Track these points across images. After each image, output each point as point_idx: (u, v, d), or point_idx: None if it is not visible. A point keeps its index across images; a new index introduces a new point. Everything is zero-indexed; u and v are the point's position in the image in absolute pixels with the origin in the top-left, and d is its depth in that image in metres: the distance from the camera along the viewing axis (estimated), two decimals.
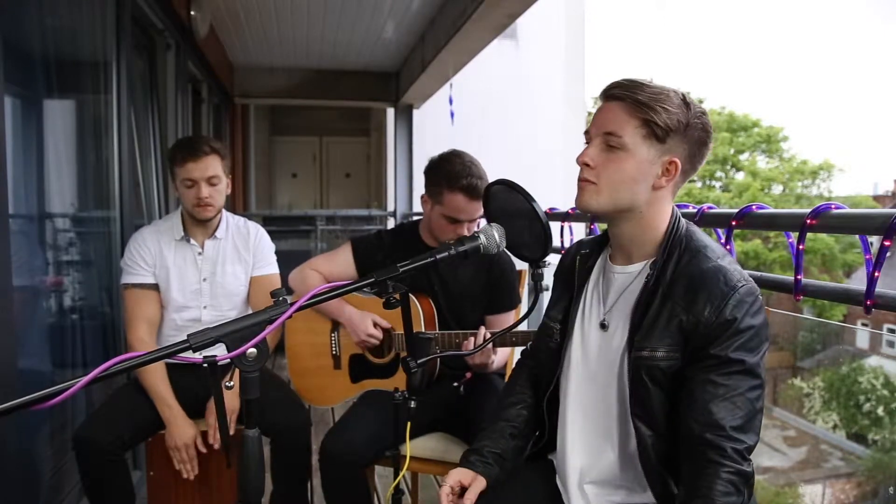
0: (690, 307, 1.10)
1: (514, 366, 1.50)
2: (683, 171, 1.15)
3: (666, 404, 1.13)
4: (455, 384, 1.86)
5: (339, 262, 1.97)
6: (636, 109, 1.11)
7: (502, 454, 1.30)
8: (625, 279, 1.21)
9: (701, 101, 1.20)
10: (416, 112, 6.21)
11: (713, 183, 23.16)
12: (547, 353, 1.32)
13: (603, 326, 1.22)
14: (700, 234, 1.20)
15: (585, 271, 1.29)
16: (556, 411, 1.31)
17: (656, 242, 1.18)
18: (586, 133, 1.19)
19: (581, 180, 1.17)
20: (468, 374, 1.88)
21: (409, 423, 1.31)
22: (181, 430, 1.83)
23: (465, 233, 1.85)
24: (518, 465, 1.34)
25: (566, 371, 1.28)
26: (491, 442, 1.31)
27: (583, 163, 1.16)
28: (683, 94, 1.14)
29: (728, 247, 1.53)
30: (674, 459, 1.13)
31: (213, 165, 1.91)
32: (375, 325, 1.90)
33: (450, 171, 1.81)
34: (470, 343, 1.74)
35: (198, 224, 2.00)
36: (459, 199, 1.80)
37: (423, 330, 1.85)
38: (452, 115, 4.50)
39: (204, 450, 1.86)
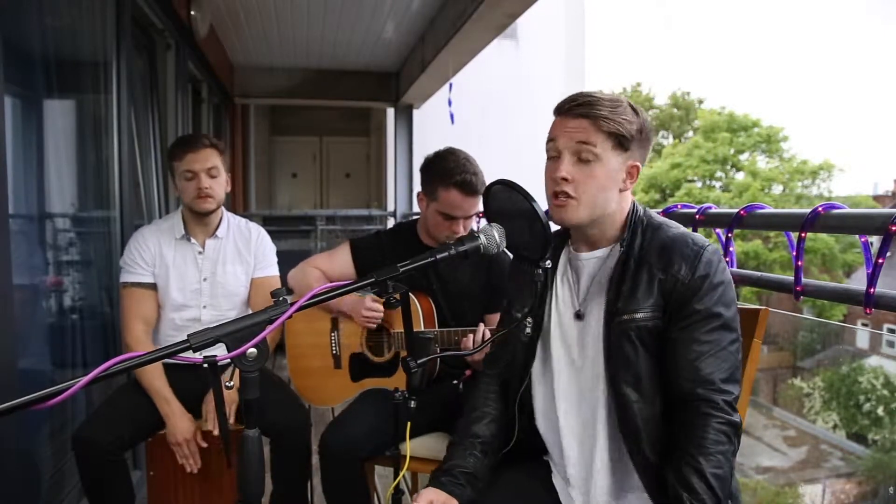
0: (667, 268, 1.16)
1: (475, 379, 1.48)
2: (640, 170, 1.23)
3: (653, 367, 1.16)
4: (455, 382, 1.86)
5: (339, 261, 1.98)
6: (602, 124, 1.16)
7: (474, 473, 1.29)
8: (595, 263, 1.25)
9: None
10: (416, 112, 6.22)
11: (713, 183, 23.14)
12: (519, 348, 1.32)
13: (578, 316, 1.25)
14: (656, 214, 1.28)
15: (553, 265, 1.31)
16: (529, 408, 1.32)
17: (618, 227, 1.24)
18: (552, 143, 1.21)
19: (559, 195, 1.19)
20: (468, 372, 1.88)
21: (409, 424, 1.30)
22: (180, 424, 1.83)
23: (461, 230, 1.86)
24: (510, 476, 1.33)
25: (551, 366, 1.28)
26: (462, 460, 1.30)
27: (561, 178, 1.18)
28: (629, 101, 1.22)
29: (729, 247, 1.53)
30: (659, 427, 1.15)
31: (212, 158, 1.94)
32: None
33: (444, 168, 1.82)
34: (469, 340, 1.74)
35: (199, 223, 2.00)
36: (454, 195, 1.81)
37: (422, 328, 1.85)
38: (452, 116, 4.49)
39: (205, 444, 1.87)
